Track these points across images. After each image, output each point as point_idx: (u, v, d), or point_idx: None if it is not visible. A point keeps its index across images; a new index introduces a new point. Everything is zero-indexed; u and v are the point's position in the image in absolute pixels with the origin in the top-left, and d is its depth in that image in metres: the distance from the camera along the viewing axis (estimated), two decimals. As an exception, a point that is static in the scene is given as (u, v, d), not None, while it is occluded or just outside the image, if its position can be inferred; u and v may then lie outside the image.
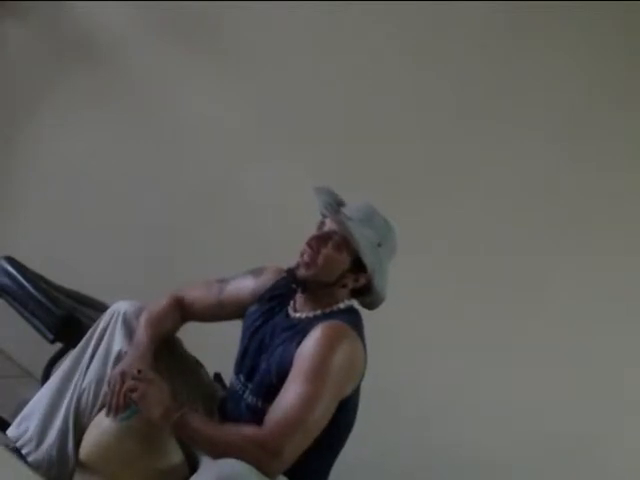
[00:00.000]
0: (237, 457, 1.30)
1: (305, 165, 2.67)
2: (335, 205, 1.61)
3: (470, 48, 2.45)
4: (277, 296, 1.72)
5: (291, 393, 1.41)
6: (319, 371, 1.43)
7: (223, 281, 1.80)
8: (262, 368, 1.57)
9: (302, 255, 1.59)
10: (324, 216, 1.64)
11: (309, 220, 2.57)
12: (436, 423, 2.33)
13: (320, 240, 1.59)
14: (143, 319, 1.67)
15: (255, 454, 1.33)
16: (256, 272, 1.79)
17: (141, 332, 1.63)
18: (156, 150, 2.97)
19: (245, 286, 1.77)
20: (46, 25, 3.33)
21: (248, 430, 1.40)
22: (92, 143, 3.11)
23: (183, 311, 1.78)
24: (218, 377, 1.82)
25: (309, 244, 1.59)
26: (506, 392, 2.26)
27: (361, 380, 1.57)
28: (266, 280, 1.76)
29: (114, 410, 1.47)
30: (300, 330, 1.55)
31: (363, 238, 1.55)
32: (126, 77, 3.07)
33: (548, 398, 2.20)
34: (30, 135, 3.28)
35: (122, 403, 1.46)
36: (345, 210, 1.61)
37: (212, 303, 1.77)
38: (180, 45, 2.99)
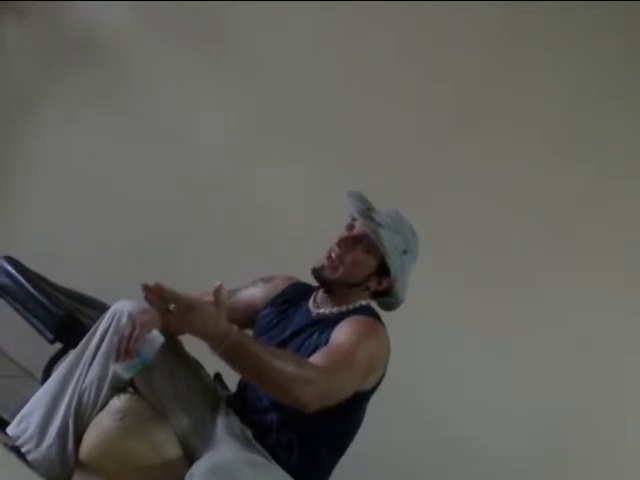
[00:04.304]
0: (284, 390, 1.32)
1: (305, 165, 2.67)
2: (366, 210, 1.65)
3: (470, 48, 2.46)
4: (290, 299, 1.75)
5: (335, 344, 1.46)
6: (356, 343, 1.47)
7: (234, 290, 1.81)
8: None
9: (329, 254, 1.64)
10: (354, 219, 1.68)
11: (309, 220, 2.58)
12: (436, 422, 2.33)
13: (350, 242, 1.64)
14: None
15: (304, 389, 1.33)
16: (266, 279, 1.83)
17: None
18: (156, 150, 2.97)
19: (256, 291, 1.80)
20: (46, 25, 3.33)
21: (295, 358, 1.42)
22: (92, 143, 3.11)
23: None
24: (218, 377, 1.81)
25: (339, 244, 1.64)
26: (506, 391, 2.26)
27: (381, 381, 1.59)
28: (277, 285, 1.80)
29: (123, 354, 1.43)
30: (330, 323, 1.59)
31: (391, 244, 1.61)
32: (126, 77, 3.07)
33: (548, 397, 2.20)
34: (30, 135, 3.28)
35: (132, 348, 1.43)
36: (375, 215, 1.65)
37: None
38: (180, 45, 2.99)
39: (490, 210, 2.36)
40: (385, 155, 2.54)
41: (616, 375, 2.15)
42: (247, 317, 1.78)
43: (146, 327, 1.49)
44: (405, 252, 1.64)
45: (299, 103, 2.71)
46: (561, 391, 2.19)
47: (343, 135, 2.62)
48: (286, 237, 2.61)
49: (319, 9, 2.68)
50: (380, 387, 1.60)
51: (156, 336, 1.48)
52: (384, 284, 1.66)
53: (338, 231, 1.67)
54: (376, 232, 1.60)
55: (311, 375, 1.35)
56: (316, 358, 1.43)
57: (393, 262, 1.61)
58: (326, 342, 1.53)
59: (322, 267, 1.64)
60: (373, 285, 1.66)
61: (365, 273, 1.64)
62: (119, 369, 1.45)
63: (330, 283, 1.65)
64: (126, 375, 1.47)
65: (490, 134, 2.39)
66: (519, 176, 2.34)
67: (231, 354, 1.33)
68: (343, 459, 1.63)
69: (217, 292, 1.31)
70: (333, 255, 1.63)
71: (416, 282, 2.29)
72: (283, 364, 1.34)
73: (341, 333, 1.52)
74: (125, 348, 1.44)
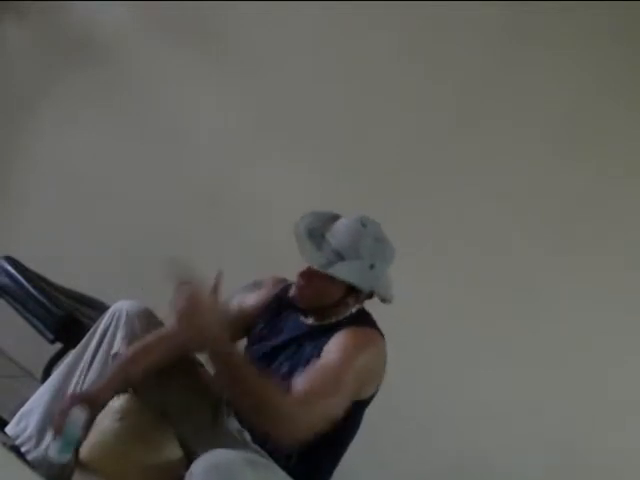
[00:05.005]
0: (258, 409, 1.31)
1: (305, 165, 2.67)
2: (315, 245, 1.57)
3: (470, 48, 2.45)
4: (281, 306, 1.72)
5: (320, 368, 1.43)
6: (347, 362, 1.45)
7: (227, 301, 1.77)
8: (284, 372, 1.57)
9: (297, 286, 1.62)
10: None
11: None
12: (436, 422, 2.33)
13: (310, 274, 1.58)
14: (130, 350, 1.62)
15: (277, 418, 1.33)
16: (257, 285, 1.79)
17: (117, 364, 1.59)
18: (156, 150, 2.97)
19: (248, 300, 1.77)
20: (46, 25, 3.34)
21: (279, 389, 1.38)
22: (92, 143, 3.11)
23: (178, 344, 1.62)
24: (219, 377, 1.81)
25: (302, 276, 1.61)
26: (506, 391, 2.25)
27: (379, 387, 1.59)
28: (269, 291, 1.76)
29: (54, 429, 1.45)
30: (323, 332, 1.57)
31: (352, 273, 1.55)
32: (126, 77, 3.07)
33: (548, 397, 2.20)
34: (30, 135, 3.28)
35: (58, 425, 1.44)
36: (330, 239, 1.58)
37: None
38: (180, 45, 2.99)
39: (490, 210, 2.36)
40: (385, 155, 2.53)
41: (616, 375, 2.15)
42: (242, 329, 1.74)
43: (72, 404, 1.48)
44: (372, 266, 1.57)
45: (299, 103, 2.71)
46: (561, 391, 2.19)
47: (343, 135, 2.62)
48: (286, 237, 2.60)
49: (319, 9, 2.68)
50: (379, 387, 1.59)
51: (79, 414, 1.47)
52: (362, 297, 1.63)
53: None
54: (329, 271, 1.54)
55: (291, 411, 1.33)
56: (300, 383, 1.41)
57: (361, 284, 1.58)
58: (318, 355, 1.51)
59: (294, 297, 1.62)
60: (351, 301, 1.62)
61: (336, 297, 1.60)
62: (52, 453, 1.45)
63: (306, 309, 1.63)
64: (57, 460, 1.45)
65: (490, 134, 2.39)
66: (519, 176, 2.33)
67: (224, 363, 1.33)
68: (343, 464, 1.63)
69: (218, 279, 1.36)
70: (298, 289, 1.61)
71: (416, 282, 2.30)
72: (272, 393, 1.33)
73: (331, 350, 1.49)
74: (56, 424, 1.45)
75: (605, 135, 2.24)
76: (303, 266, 1.60)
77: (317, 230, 1.61)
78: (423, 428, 2.33)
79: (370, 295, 1.65)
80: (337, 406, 1.43)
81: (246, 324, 1.74)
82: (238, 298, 1.77)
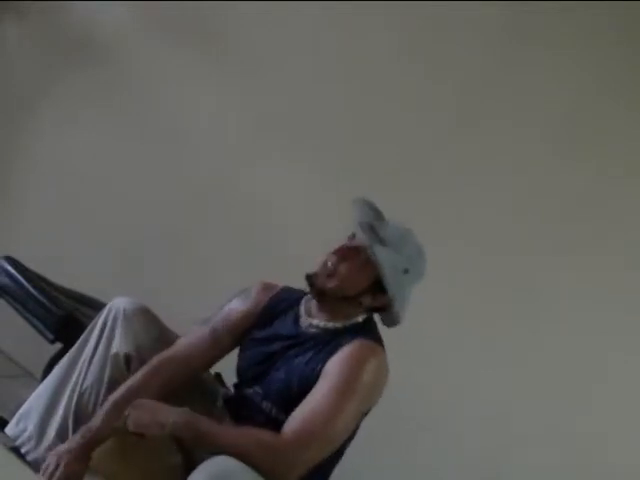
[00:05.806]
0: (247, 461, 1.29)
1: (305, 165, 2.67)
2: (369, 223, 1.56)
3: (470, 48, 2.45)
4: (274, 313, 1.68)
5: (315, 406, 1.40)
6: (346, 389, 1.43)
7: (208, 319, 1.70)
8: (279, 378, 1.55)
9: (325, 263, 1.57)
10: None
11: (310, 220, 2.58)
12: (436, 421, 2.33)
13: (347, 252, 1.56)
14: (112, 399, 1.55)
15: (268, 461, 1.32)
16: (244, 294, 1.73)
17: (101, 416, 1.53)
18: (156, 150, 2.98)
19: (236, 311, 1.70)
20: (46, 25, 3.34)
21: (264, 435, 1.37)
22: (92, 143, 3.11)
23: (170, 373, 1.60)
24: (219, 377, 1.81)
25: (336, 253, 1.57)
26: (506, 391, 2.26)
27: (378, 400, 1.57)
28: (259, 300, 1.70)
29: None
30: (323, 342, 1.54)
31: (388, 262, 1.52)
32: (126, 77, 3.07)
33: (548, 397, 2.20)
34: (30, 135, 3.28)
35: None
36: (381, 229, 1.56)
37: (205, 342, 1.65)
38: (180, 45, 3.00)
39: (490, 210, 2.36)
40: (385, 155, 2.53)
41: (616, 375, 2.15)
42: (235, 340, 1.69)
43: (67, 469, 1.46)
44: (407, 271, 1.56)
45: (299, 103, 2.71)
46: (561, 391, 2.19)
47: (343, 135, 2.62)
48: (286, 237, 2.61)
49: (319, 9, 2.68)
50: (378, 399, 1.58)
51: None
52: (379, 301, 1.58)
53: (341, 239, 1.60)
54: (372, 247, 1.51)
55: (271, 466, 1.33)
56: (290, 426, 1.39)
57: (389, 281, 1.53)
58: (318, 368, 1.48)
59: (316, 274, 1.56)
60: (367, 301, 1.58)
61: (359, 287, 1.56)
62: None
63: (322, 292, 1.57)
64: None
65: (490, 134, 2.39)
66: (519, 176, 2.34)
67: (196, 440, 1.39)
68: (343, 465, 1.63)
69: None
70: (329, 263, 1.56)
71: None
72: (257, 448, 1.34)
73: (334, 372, 1.45)
74: None
75: (605, 135, 2.24)
76: (338, 243, 1.58)
77: (367, 220, 1.58)
78: (423, 428, 2.33)
79: (382, 307, 1.60)
80: (340, 433, 1.43)
81: (236, 335, 1.68)
82: (227, 308, 1.71)
